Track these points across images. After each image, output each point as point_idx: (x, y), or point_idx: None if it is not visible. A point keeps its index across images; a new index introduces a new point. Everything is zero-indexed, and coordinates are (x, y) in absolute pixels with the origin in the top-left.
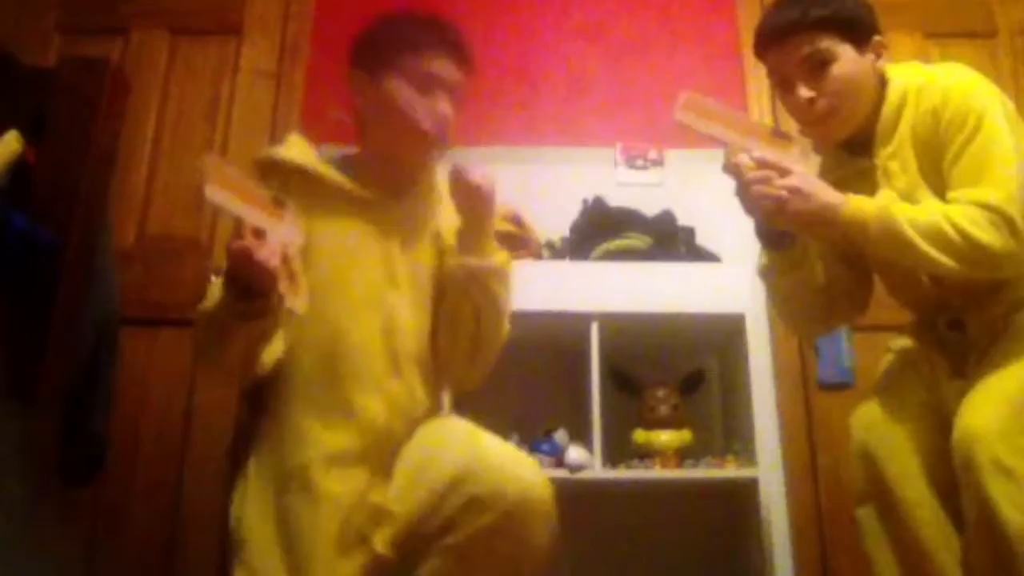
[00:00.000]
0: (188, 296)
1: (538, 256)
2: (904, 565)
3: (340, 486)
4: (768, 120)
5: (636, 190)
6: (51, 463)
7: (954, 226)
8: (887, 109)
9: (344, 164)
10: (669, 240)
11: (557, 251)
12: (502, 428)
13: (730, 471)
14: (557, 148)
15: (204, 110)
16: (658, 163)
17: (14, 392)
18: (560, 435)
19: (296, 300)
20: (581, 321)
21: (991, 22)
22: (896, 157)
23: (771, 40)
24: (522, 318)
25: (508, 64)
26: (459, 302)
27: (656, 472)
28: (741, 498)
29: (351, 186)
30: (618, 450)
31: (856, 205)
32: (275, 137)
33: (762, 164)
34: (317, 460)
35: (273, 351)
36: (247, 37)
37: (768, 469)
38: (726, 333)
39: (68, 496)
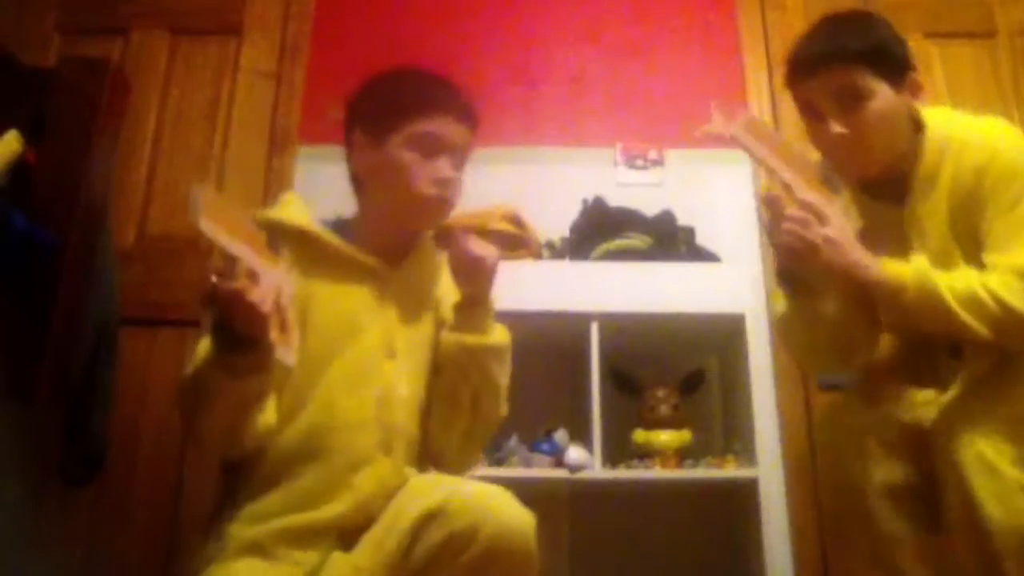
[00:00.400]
0: (188, 296)
1: (538, 256)
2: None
3: (307, 556)
4: (768, 122)
5: (636, 190)
6: (51, 463)
7: (991, 294)
8: (927, 159)
9: (341, 227)
10: (669, 240)
11: (557, 251)
12: (502, 428)
13: (730, 471)
14: (557, 148)
15: (204, 110)
16: (658, 163)
17: (14, 392)
18: (560, 435)
19: (287, 352)
20: (581, 321)
21: (991, 22)
22: (933, 214)
23: (803, 70)
24: (522, 318)
25: (508, 64)
26: (456, 383)
27: (656, 472)
28: (741, 498)
29: (350, 251)
30: (618, 450)
31: (894, 269)
32: (275, 137)
33: (803, 206)
34: (290, 534)
35: (266, 420)
36: (247, 37)
37: (768, 469)
38: (726, 333)
39: (68, 496)
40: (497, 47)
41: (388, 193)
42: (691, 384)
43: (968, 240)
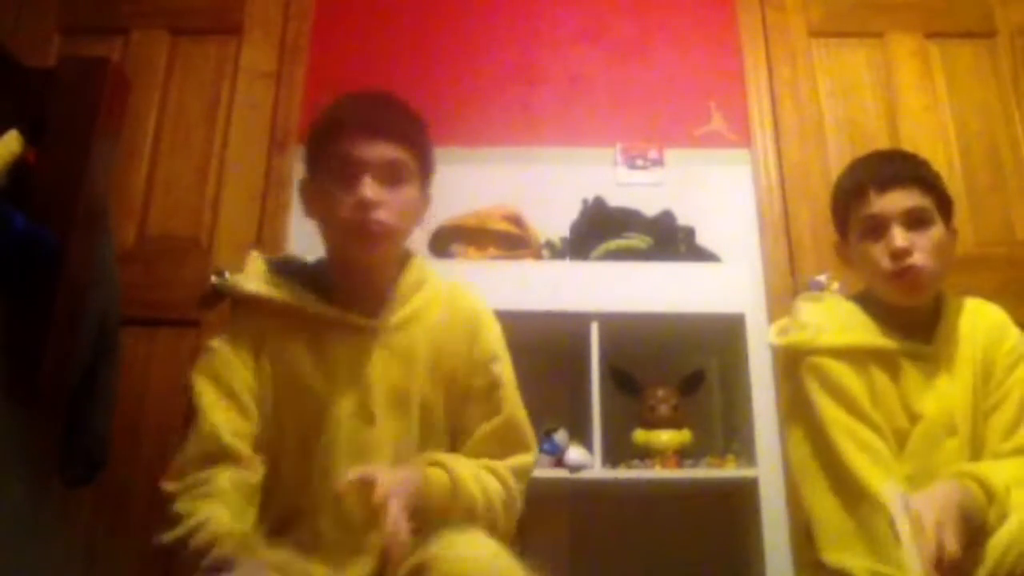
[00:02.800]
0: (188, 296)
1: (538, 256)
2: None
3: None
4: (768, 128)
5: (636, 190)
6: (51, 463)
7: None
8: (951, 303)
9: (316, 273)
10: (669, 240)
11: (557, 251)
12: None
13: (730, 471)
14: (557, 148)
15: (204, 110)
16: (658, 163)
17: (14, 392)
18: (560, 435)
19: None
20: (581, 321)
21: (991, 22)
22: (959, 354)
23: (877, 187)
24: (522, 318)
25: (508, 64)
26: None
27: (656, 472)
28: (741, 498)
29: (324, 310)
30: (618, 450)
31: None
32: (275, 137)
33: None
34: None
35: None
36: (247, 37)
37: (768, 469)
38: (726, 333)
39: (68, 496)
40: (496, 47)
41: (325, 227)
42: (691, 384)
43: (984, 396)
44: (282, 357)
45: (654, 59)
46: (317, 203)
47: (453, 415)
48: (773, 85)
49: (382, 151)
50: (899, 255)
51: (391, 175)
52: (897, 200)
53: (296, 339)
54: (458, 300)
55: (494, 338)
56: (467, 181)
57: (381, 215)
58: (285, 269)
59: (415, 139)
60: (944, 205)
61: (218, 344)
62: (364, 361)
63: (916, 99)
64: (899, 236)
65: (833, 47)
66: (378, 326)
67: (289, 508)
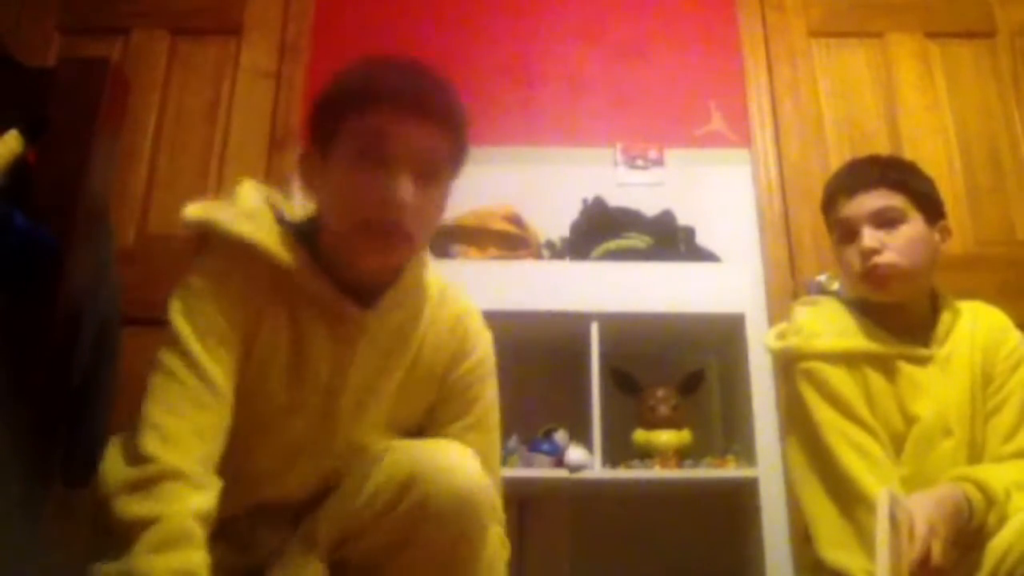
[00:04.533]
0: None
1: (538, 256)
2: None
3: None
4: (768, 128)
5: (636, 190)
6: (51, 463)
7: None
8: (949, 305)
9: (307, 237)
10: (669, 240)
11: (557, 251)
12: (502, 428)
13: (730, 471)
14: (557, 148)
15: (204, 110)
16: (658, 163)
17: (14, 392)
18: (560, 435)
19: None
20: (581, 321)
21: (991, 22)
22: (956, 356)
23: (845, 192)
24: (522, 318)
25: (508, 64)
26: None
27: (656, 472)
28: (741, 498)
29: (319, 288)
30: (618, 450)
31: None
32: (275, 137)
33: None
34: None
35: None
36: (247, 37)
37: (768, 469)
38: (726, 333)
39: (68, 497)
40: (496, 47)
41: (331, 213)
42: (691, 384)
43: (984, 397)
44: (261, 328)
45: (654, 59)
46: (325, 185)
47: (425, 414)
48: (773, 85)
49: (426, 138)
50: (867, 254)
51: (427, 169)
52: (864, 202)
53: (278, 311)
54: (449, 302)
55: (483, 349)
56: (467, 181)
57: (407, 222)
58: (292, 231)
59: (460, 127)
60: (921, 202)
61: (202, 287)
62: (348, 360)
63: (916, 99)
64: (867, 236)
65: (833, 47)
66: (368, 317)
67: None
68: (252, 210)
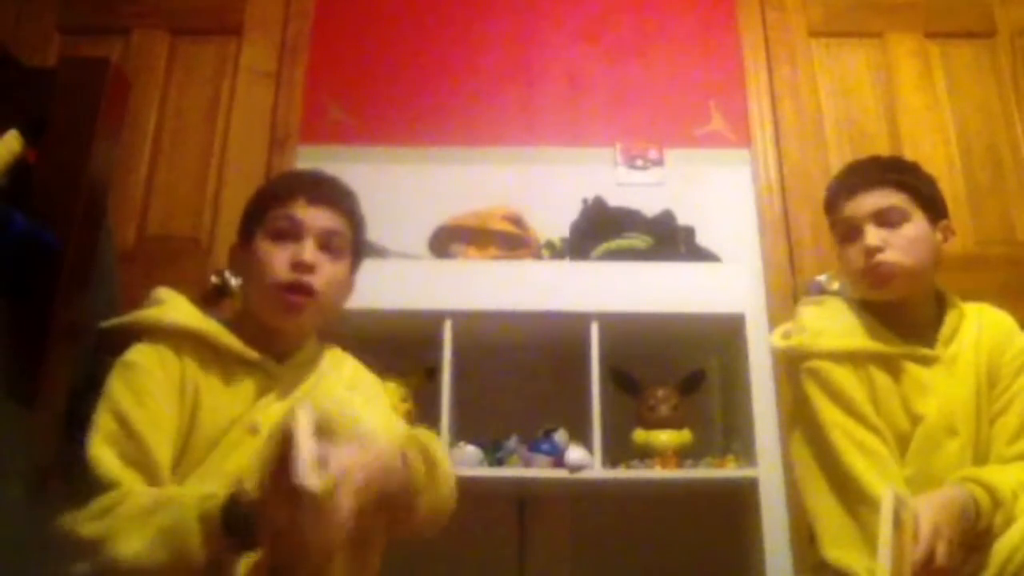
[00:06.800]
0: (188, 296)
1: (538, 256)
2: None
3: None
4: (768, 128)
5: (636, 190)
6: (51, 463)
7: None
8: (955, 306)
9: (227, 326)
10: (669, 240)
11: (557, 251)
12: (502, 428)
13: (730, 471)
14: (557, 148)
15: (204, 110)
16: (658, 163)
17: (14, 393)
18: (560, 435)
19: None
20: (581, 321)
21: (991, 22)
22: (962, 357)
23: (848, 192)
24: (522, 318)
25: (508, 64)
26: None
27: (656, 472)
28: (741, 498)
29: (236, 345)
30: (618, 450)
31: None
32: (275, 137)
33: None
34: None
35: None
36: (247, 37)
37: (768, 469)
38: (726, 333)
39: (68, 497)
40: (496, 46)
41: (253, 286)
42: (691, 384)
43: (989, 399)
44: (200, 387)
45: (654, 59)
46: (248, 266)
47: None
48: (773, 85)
49: (323, 219)
50: (871, 252)
51: (333, 245)
52: (867, 202)
53: (214, 374)
54: (348, 360)
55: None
56: (467, 181)
57: (314, 280)
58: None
59: (355, 213)
60: (924, 201)
61: (140, 360)
62: (273, 400)
63: (916, 99)
64: (870, 234)
65: (833, 47)
66: (288, 371)
67: None
68: (178, 306)
